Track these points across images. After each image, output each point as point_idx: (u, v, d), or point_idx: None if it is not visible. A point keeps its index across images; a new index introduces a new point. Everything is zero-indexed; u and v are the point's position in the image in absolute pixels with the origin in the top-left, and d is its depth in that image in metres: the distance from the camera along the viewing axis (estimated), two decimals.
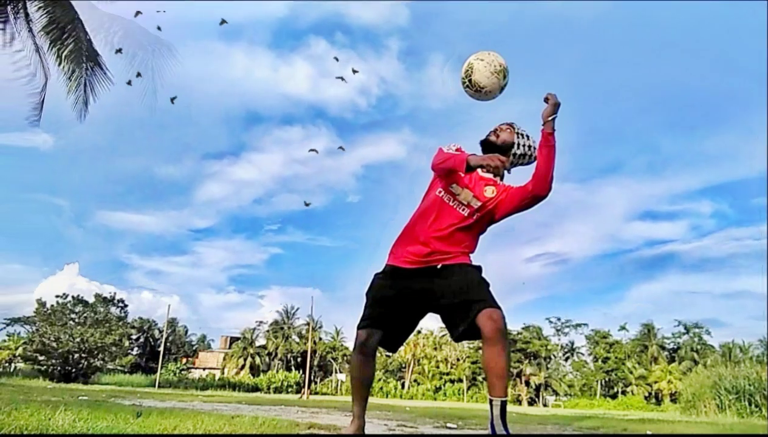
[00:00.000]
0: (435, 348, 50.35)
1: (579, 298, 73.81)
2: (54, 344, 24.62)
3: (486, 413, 2.11)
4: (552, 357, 51.27)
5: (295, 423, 3.57)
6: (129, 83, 9.34)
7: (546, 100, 2.25)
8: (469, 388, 47.67)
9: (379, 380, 47.07)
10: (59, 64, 9.36)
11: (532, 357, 49.05)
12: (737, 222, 71.69)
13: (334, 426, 3.52)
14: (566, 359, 52.88)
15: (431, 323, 49.52)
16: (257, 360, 48.47)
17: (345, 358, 48.79)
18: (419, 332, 48.92)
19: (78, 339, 25.05)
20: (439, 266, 2.31)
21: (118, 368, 37.13)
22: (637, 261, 69.59)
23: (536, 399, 47.41)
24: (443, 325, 2.36)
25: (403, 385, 49.71)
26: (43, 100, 9.47)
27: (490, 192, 2.40)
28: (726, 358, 33.62)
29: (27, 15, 9.25)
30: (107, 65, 9.68)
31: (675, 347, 49.30)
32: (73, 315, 27.11)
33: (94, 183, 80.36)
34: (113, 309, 29.30)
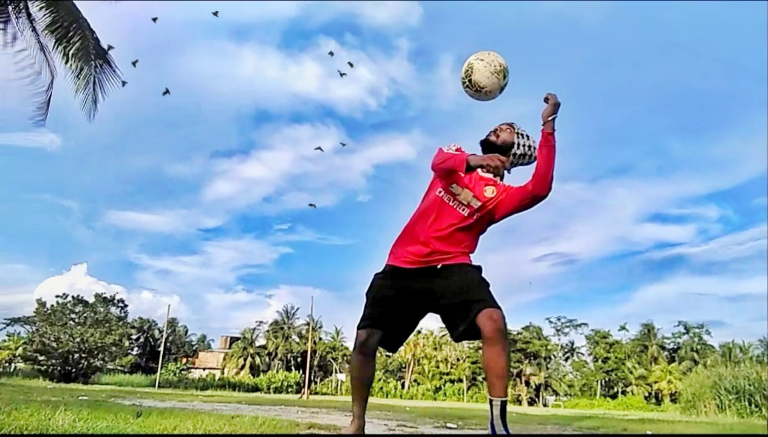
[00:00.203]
0: (435, 348, 50.34)
1: (586, 298, 74.02)
2: (54, 344, 24.61)
3: (486, 413, 2.11)
4: (552, 357, 51.27)
5: (295, 423, 3.57)
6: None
7: (546, 100, 2.25)
8: (469, 388, 47.67)
9: (379, 380, 47.07)
10: (66, 63, 9.26)
11: (532, 357, 49.05)
12: (741, 226, 71.91)
13: (334, 426, 3.52)
14: (566, 359, 52.90)
15: (431, 323, 49.61)
16: (257, 360, 48.46)
17: (345, 358, 48.78)
18: (419, 332, 48.93)
19: (78, 339, 25.04)
20: (439, 266, 2.31)
21: (118, 368, 37.13)
22: (644, 263, 69.79)
23: (536, 399, 47.41)
24: (443, 325, 2.36)
25: (403, 385, 49.70)
26: (49, 99, 9.39)
27: (490, 192, 2.40)
28: (726, 358, 33.64)
29: (29, 14, 9.21)
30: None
31: (675, 347, 49.31)
32: (73, 315, 27.10)
33: (103, 182, 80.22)
34: (113, 309, 29.30)
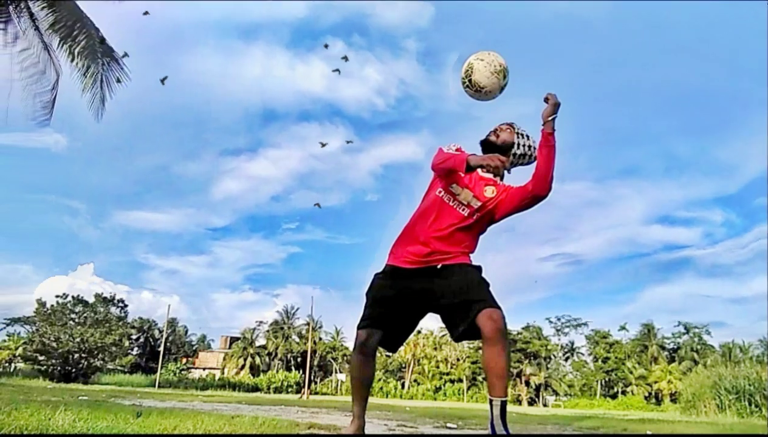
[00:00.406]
0: (435, 348, 50.34)
1: (592, 298, 74.22)
2: (54, 344, 24.61)
3: (486, 413, 2.11)
4: (552, 357, 51.26)
5: (295, 423, 3.57)
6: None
7: (546, 100, 2.25)
8: (469, 388, 47.67)
9: (379, 380, 47.06)
10: (72, 61, 9.19)
11: (532, 357, 49.04)
12: (744, 229, 71.98)
13: (334, 426, 3.52)
14: (566, 359, 52.89)
15: (431, 323, 49.57)
16: (257, 360, 48.46)
17: (345, 358, 48.78)
18: (419, 332, 48.92)
19: (78, 339, 25.05)
20: (439, 266, 2.31)
21: (118, 368, 37.13)
22: (651, 265, 69.88)
23: (536, 399, 47.41)
24: (443, 325, 2.36)
25: (403, 385, 49.70)
26: (54, 98, 9.32)
27: (490, 192, 2.40)
28: (726, 358, 33.62)
29: (32, 14, 9.18)
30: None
31: (675, 347, 49.29)
32: (73, 315, 27.11)
33: (111, 182, 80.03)
34: (113, 309, 29.32)
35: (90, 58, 9.21)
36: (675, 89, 76.58)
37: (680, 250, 73.25)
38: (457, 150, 2.43)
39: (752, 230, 62.84)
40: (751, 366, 12.75)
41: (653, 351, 47.87)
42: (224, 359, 50.27)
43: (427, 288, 2.30)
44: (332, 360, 51.29)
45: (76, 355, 25.16)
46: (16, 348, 34.92)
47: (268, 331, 51.32)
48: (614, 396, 46.21)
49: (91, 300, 28.64)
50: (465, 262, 2.34)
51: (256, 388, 37.66)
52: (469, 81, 2.38)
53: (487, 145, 2.49)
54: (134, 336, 49.50)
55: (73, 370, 24.90)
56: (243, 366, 47.95)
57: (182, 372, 42.40)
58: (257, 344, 50.64)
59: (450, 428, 4.51)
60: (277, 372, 44.54)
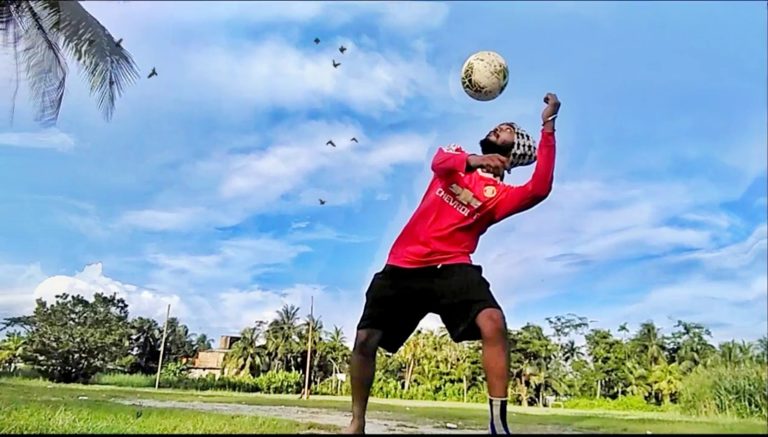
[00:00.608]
0: (435, 348, 50.33)
1: (598, 299, 74.49)
2: (54, 344, 24.60)
3: (486, 413, 2.11)
4: (552, 357, 51.24)
5: (295, 423, 3.57)
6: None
7: (546, 100, 2.25)
8: (469, 388, 47.66)
9: (379, 380, 47.05)
10: (79, 59, 9.08)
11: (532, 357, 49.03)
12: (748, 233, 71.91)
13: (334, 426, 3.52)
14: (566, 359, 52.86)
15: (431, 323, 49.55)
16: (257, 360, 48.45)
17: (345, 358, 48.77)
18: (419, 332, 48.91)
19: (78, 339, 25.03)
20: (439, 266, 2.31)
21: (118, 368, 37.11)
22: (659, 266, 69.95)
23: (536, 399, 47.41)
24: (443, 325, 2.36)
25: (403, 385, 49.69)
26: (60, 98, 9.24)
27: (490, 192, 2.40)
28: (726, 358, 33.61)
29: (34, 14, 9.12)
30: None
31: (675, 347, 49.26)
32: (73, 315, 27.09)
33: (120, 181, 79.66)
34: (113, 309, 29.30)
35: (98, 55, 9.10)
36: (683, 90, 76.70)
37: (688, 253, 73.05)
38: (457, 150, 2.43)
39: (753, 232, 62.95)
40: (751, 366, 12.75)
41: (653, 351, 47.86)
42: (224, 359, 50.26)
43: (427, 288, 2.30)
44: (332, 360, 51.29)
45: (76, 355, 25.15)
46: (16, 348, 34.91)
47: (268, 331, 51.32)
48: (614, 396, 46.20)
49: (94, 300, 28.66)
50: (465, 262, 2.34)
51: (256, 388, 37.65)
52: (469, 81, 2.38)
53: (487, 145, 2.49)
54: (134, 336, 49.48)
55: (73, 370, 24.90)
56: (243, 366, 47.94)
57: (182, 372, 42.38)
58: (257, 344, 50.65)
59: (450, 428, 4.51)
60: (277, 372, 44.53)
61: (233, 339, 53.00)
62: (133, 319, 46.01)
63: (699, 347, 46.91)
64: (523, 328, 50.96)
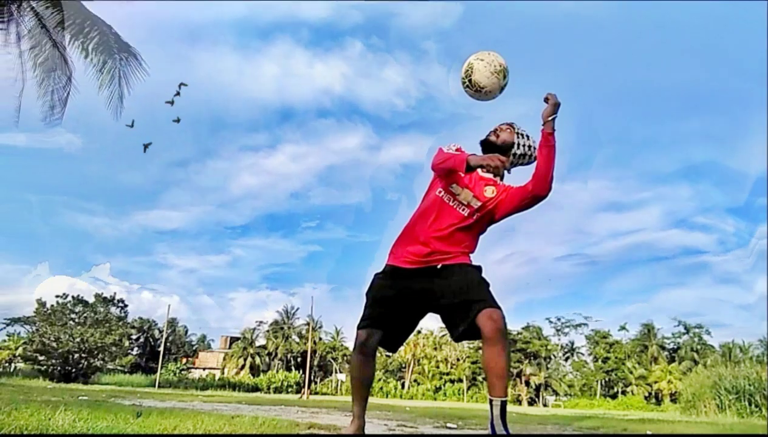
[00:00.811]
0: (435, 348, 50.33)
1: (604, 299, 74.71)
2: (54, 344, 24.60)
3: (486, 413, 2.11)
4: (552, 357, 51.24)
5: (295, 423, 3.57)
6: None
7: (546, 100, 2.25)
8: (469, 388, 47.67)
9: (379, 380, 47.06)
10: (86, 57, 8.93)
11: (532, 357, 49.04)
12: (751, 234, 71.96)
13: (334, 426, 3.52)
14: (566, 359, 52.87)
15: (431, 323, 49.55)
16: (257, 360, 48.46)
17: (345, 358, 48.77)
18: (419, 332, 48.91)
19: (78, 339, 25.03)
20: (439, 266, 2.31)
21: (118, 368, 37.11)
22: (666, 269, 70.26)
23: (536, 399, 47.41)
24: (443, 325, 2.36)
25: (403, 385, 49.70)
26: (66, 96, 9.12)
27: (490, 192, 2.40)
28: (726, 358, 33.60)
29: (37, 13, 9.06)
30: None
31: (675, 347, 49.26)
32: (73, 315, 27.10)
33: (128, 180, 79.64)
34: (113, 309, 29.31)
35: (106, 53, 8.97)
36: (691, 91, 76.64)
37: (695, 256, 72.88)
38: (457, 150, 2.43)
39: (755, 233, 62.95)
40: (751, 366, 12.76)
41: (653, 351, 47.86)
42: (224, 359, 50.27)
43: (427, 288, 2.30)
44: (332, 360, 51.29)
45: (76, 355, 25.15)
46: (16, 348, 34.90)
47: (268, 331, 51.33)
48: (614, 396, 46.20)
49: (94, 300, 28.66)
50: (465, 262, 2.34)
51: (256, 388, 37.65)
52: (469, 81, 2.38)
53: (487, 145, 2.49)
54: (134, 336, 49.48)
55: (73, 370, 24.90)
56: (243, 366, 47.95)
57: (182, 372, 42.39)
58: (257, 344, 50.65)
59: (450, 428, 4.51)
60: (277, 372, 44.53)
61: (233, 339, 53.01)
62: (133, 319, 46.06)
63: (699, 347, 46.90)
64: (523, 328, 50.96)
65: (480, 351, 2.23)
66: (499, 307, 2.11)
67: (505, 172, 2.49)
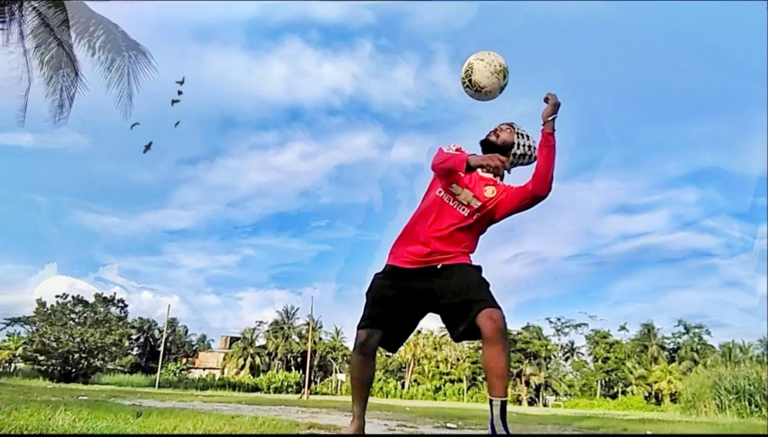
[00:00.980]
0: (435, 348, 50.33)
1: (611, 299, 75.01)
2: (54, 344, 24.61)
3: (486, 413, 2.11)
4: (552, 357, 51.23)
5: (295, 423, 3.57)
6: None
7: (546, 100, 2.25)
8: (469, 388, 47.67)
9: (379, 380, 47.05)
10: (93, 55, 8.88)
11: (532, 357, 49.03)
12: (753, 236, 72.02)
13: (334, 426, 3.52)
14: (566, 359, 52.86)
15: (431, 323, 49.55)
16: (257, 360, 48.46)
17: (345, 358, 48.77)
18: (419, 332, 48.91)
19: (78, 339, 25.04)
20: (439, 266, 2.31)
21: (118, 368, 37.11)
22: (674, 270, 70.39)
23: (536, 399, 47.41)
24: (443, 325, 2.36)
25: (403, 385, 49.70)
26: (73, 95, 9.07)
27: (490, 192, 2.40)
28: (726, 358, 33.59)
29: (40, 13, 9.01)
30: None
31: (675, 347, 49.24)
32: (73, 315, 27.11)
33: (137, 180, 79.52)
34: (113, 309, 29.32)
35: (114, 51, 8.88)
36: (699, 94, 76.65)
37: (702, 259, 72.83)
38: (457, 150, 2.43)
39: (756, 233, 62.95)
40: (751, 366, 12.76)
41: (653, 351, 47.85)
42: (224, 359, 50.27)
43: (427, 288, 2.30)
44: (332, 360, 51.29)
45: (76, 355, 25.16)
46: (16, 348, 34.91)
47: (268, 331, 51.33)
48: (614, 396, 46.19)
49: (94, 300, 28.66)
50: (465, 262, 2.34)
51: (256, 388, 37.66)
52: (469, 81, 2.38)
53: (487, 145, 2.49)
54: (134, 336, 49.48)
55: (73, 370, 24.90)
56: (243, 366, 47.95)
57: (182, 372, 42.39)
58: (257, 344, 50.65)
59: (450, 428, 4.51)
60: (277, 372, 44.53)
61: (233, 339, 53.01)
62: (133, 319, 46.06)
63: (699, 347, 46.89)
64: (523, 328, 50.95)
65: (480, 351, 2.23)
66: (499, 307, 2.11)
67: (505, 172, 2.49)
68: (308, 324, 45.76)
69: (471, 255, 2.39)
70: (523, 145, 2.45)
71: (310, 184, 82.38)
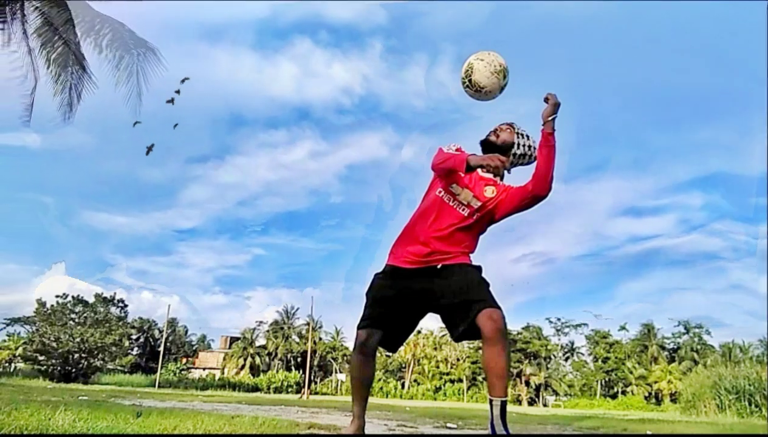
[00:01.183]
0: (435, 348, 50.33)
1: (617, 300, 75.23)
2: (54, 344, 24.61)
3: (486, 413, 2.11)
4: (552, 357, 51.24)
5: (295, 423, 3.57)
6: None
7: (546, 100, 2.25)
8: (469, 388, 47.67)
9: (379, 380, 47.05)
10: (99, 53, 8.83)
11: (532, 357, 49.03)
12: (754, 237, 72.10)
13: (334, 426, 3.52)
14: (566, 359, 52.86)
15: (431, 323, 49.52)
16: (257, 360, 48.46)
17: (345, 358, 48.77)
18: (419, 332, 48.90)
19: (78, 339, 25.05)
20: (439, 266, 2.31)
21: (118, 368, 37.12)
22: (679, 272, 70.71)
23: (536, 399, 47.41)
24: (443, 325, 2.36)
25: (403, 385, 49.70)
26: (79, 93, 9.04)
27: (490, 192, 2.40)
28: (726, 358, 33.58)
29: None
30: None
31: (675, 347, 49.25)
32: (73, 315, 27.11)
33: (147, 179, 79.71)
34: (113, 309, 29.32)
35: (122, 49, 8.81)
36: (706, 96, 76.70)
37: (708, 262, 72.77)
38: (457, 150, 2.43)
39: (756, 233, 62.99)
40: (751, 366, 12.76)
41: (653, 351, 47.85)
42: (224, 359, 50.27)
43: (427, 288, 2.30)
44: (332, 360, 51.29)
45: (76, 355, 25.16)
46: (16, 348, 34.91)
47: (268, 331, 51.33)
48: (614, 396, 46.19)
49: (94, 300, 28.66)
50: (465, 262, 2.34)
51: (256, 388, 37.66)
52: (469, 81, 2.38)
53: (487, 145, 2.49)
54: (134, 336, 49.48)
55: (73, 370, 24.91)
56: (243, 366, 47.95)
57: (182, 372, 42.39)
58: (257, 344, 50.65)
59: (450, 428, 4.51)
60: (277, 372, 44.53)
61: (233, 339, 53.00)
62: (133, 319, 46.05)
63: (699, 347, 46.89)
64: (523, 328, 50.95)
65: (480, 351, 2.23)
66: (499, 307, 2.11)
67: (505, 172, 2.49)
68: (308, 324, 45.78)
69: (471, 255, 2.39)
70: (523, 145, 2.45)
71: (320, 183, 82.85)
